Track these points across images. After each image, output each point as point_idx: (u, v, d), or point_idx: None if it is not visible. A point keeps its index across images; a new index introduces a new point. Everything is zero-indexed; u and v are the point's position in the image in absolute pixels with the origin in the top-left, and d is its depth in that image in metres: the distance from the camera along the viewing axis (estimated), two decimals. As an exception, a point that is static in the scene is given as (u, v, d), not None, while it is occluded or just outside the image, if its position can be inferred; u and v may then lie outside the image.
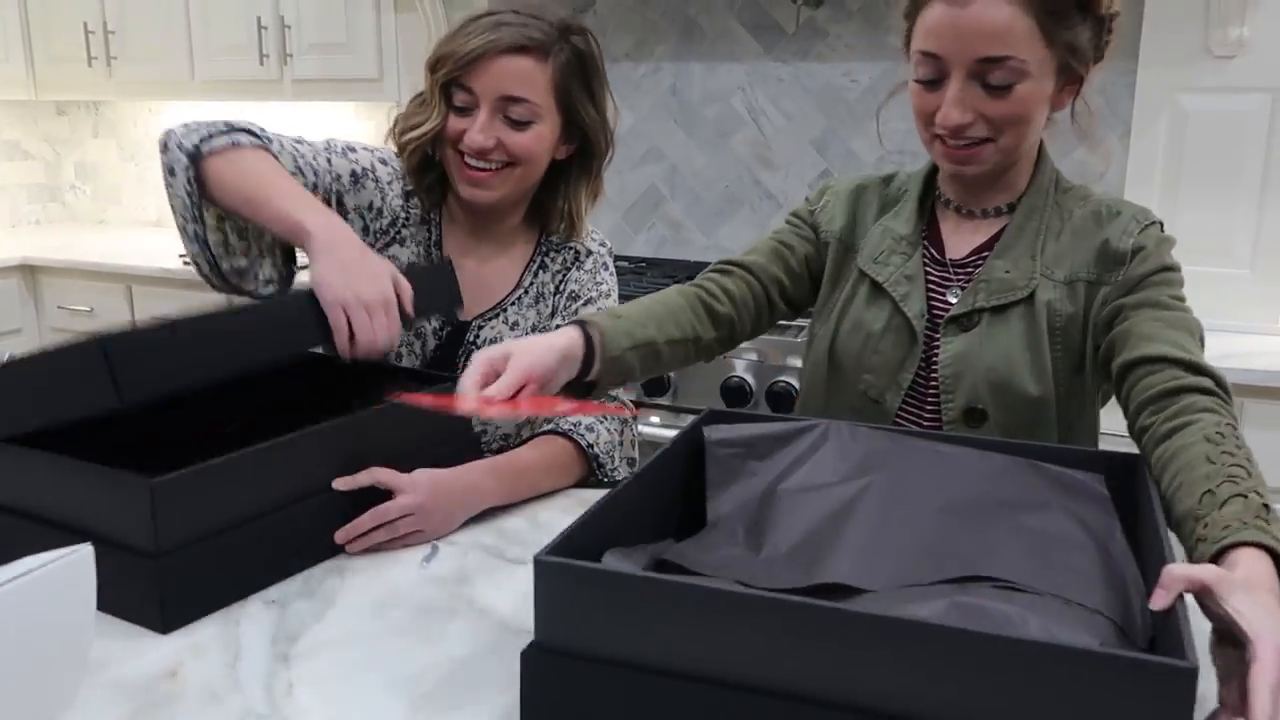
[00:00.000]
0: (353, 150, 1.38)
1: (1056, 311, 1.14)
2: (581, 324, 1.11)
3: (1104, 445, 1.26)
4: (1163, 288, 1.10)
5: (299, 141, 1.34)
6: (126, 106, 3.78)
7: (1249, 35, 2.06)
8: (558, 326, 1.39)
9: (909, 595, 0.78)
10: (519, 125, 1.31)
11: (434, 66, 1.33)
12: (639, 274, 2.73)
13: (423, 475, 1.14)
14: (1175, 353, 1.02)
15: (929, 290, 1.21)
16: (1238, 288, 2.15)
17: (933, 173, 1.26)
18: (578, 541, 0.79)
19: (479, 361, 1.01)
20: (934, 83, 1.11)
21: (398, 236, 1.41)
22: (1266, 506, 0.82)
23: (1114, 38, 1.14)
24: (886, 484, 0.94)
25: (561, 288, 1.44)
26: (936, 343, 1.19)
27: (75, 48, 3.34)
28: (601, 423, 1.34)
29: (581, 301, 1.43)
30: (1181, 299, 1.11)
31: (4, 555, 1.02)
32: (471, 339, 1.41)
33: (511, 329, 1.42)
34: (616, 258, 2.90)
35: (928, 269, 1.22)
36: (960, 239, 1.22)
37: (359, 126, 3.32)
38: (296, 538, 1.06)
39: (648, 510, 0.94)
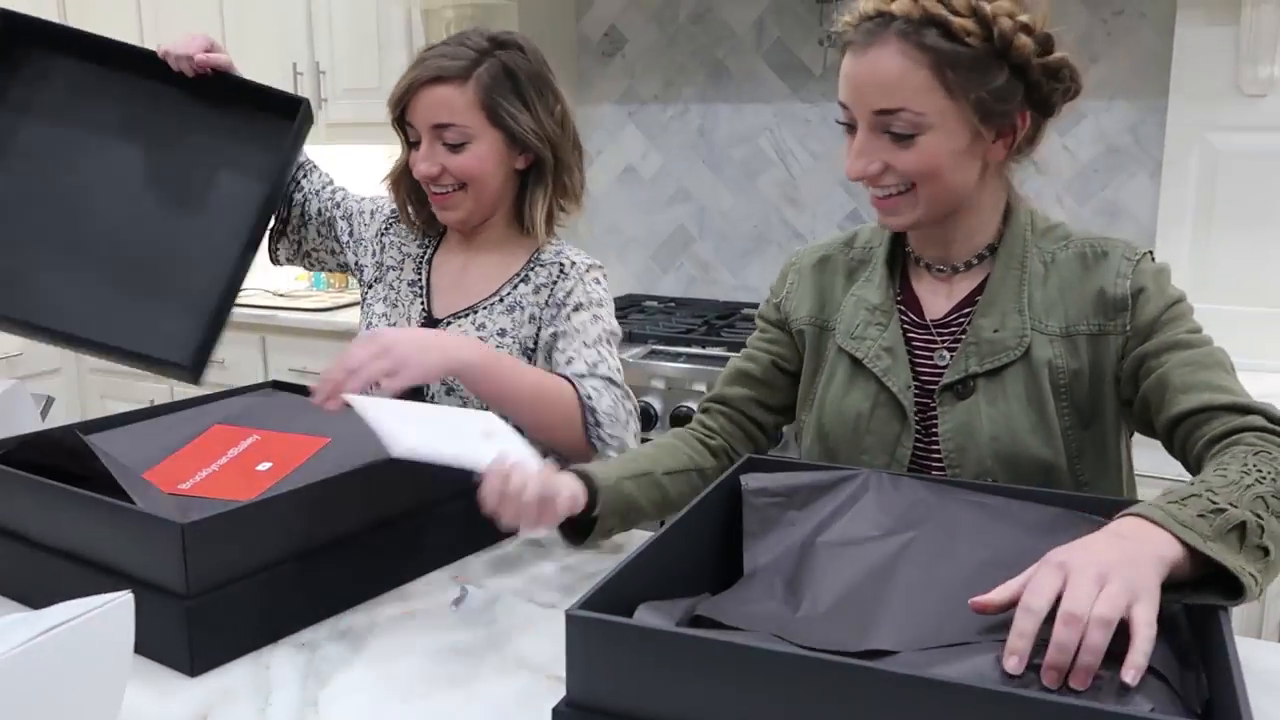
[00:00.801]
0: (361, 199, 1.63)
1: (1059, 369, 1.09)
2: (574, 471, 1.09)
3: (1143, 489, 1.24)
4: (1178, 324, 1.07)
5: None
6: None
7: (1279, 74, 2.05)
8: (553, 334, 1.42)
9: (951, 653, 0.76)
10: (456, 148, 1.39)
11: (389, 108, 1.44)
12: (668, 314, 2.74)
13: (379, 329, 1.21)
14: (1218, 398, 0.99)
15: (914, 355, 1.16)
16: (1272, 327, 2.12)
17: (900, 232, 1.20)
18: (611, 593, 0.78)
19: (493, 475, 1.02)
20: (851, 129, 1.09)
21: (377, 242, 1.58)
22: (1198, 497, 0.83)
23: (1071, 87, 1.08)
24: (929, 539, 0.92)
25: (550, 299, 1.44)
26: (931, 411, 1.14)
27: (116, 94, 3.41)
28: (607, 391, 1.33)
29: (571, 306, 1.42)
30: (1199, 330, 1.08)
31: (38, 593, 1.04)
32: None
33: (478, 330, 1.44)
34: (646, 297, 2.93)
35: (909, 333, 1.17)
36: (937, 298, 1.17)
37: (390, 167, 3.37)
38: (327, 581, 1.07)
39: (684, 560, 0.93)
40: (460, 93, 1.37)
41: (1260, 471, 0.87)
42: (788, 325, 1.26)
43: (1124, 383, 1.09)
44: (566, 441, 1.31)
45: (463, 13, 2.77)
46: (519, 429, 1.34)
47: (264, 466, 1.18)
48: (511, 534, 1.19)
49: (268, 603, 1.01)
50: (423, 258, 1.53)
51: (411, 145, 1.44)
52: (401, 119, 1.43)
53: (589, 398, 1.30)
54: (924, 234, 1.16)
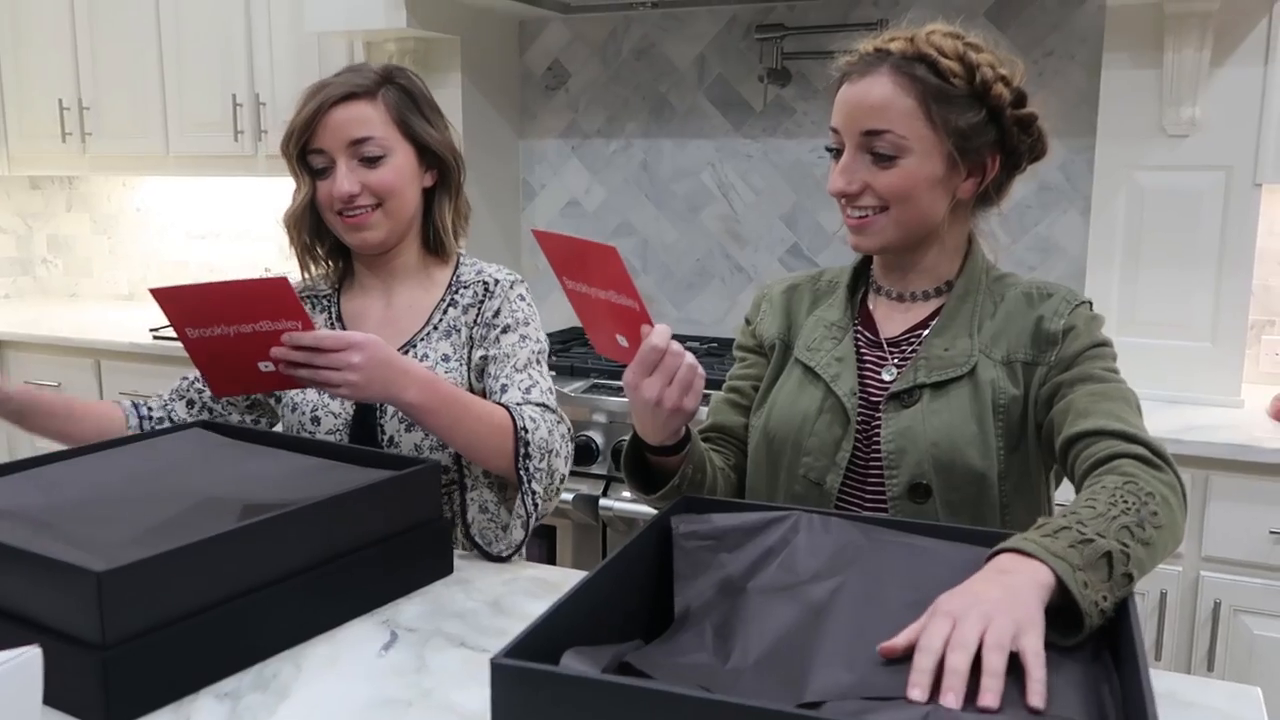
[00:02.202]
0: None
1: (1001, 389, 1.17)
2: None
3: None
4: (1096, 362, 1.15)
5: None
6: (100, 180, 3.79)
7: (1201, 115, 2.12)
8: (481, 356, 1.44)
9: (876, 706, 0.76)
10: (374, 162, 1.42)
11: (285, 145, 1.44)
12: (610, 347, 2.74)
13: (373, 342, 1.21)
14: (1112, 424, 1.06)
15: (864, 369, 1.24)
16: (1199, 360, 2.18)
17: (863, 263, 1.31)
18: (540, 639, 0.77)
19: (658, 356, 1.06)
20: (837, 153, 1.19)
21: None
22: (1069, 529, 0.88)
23: (1038, 144, 1.20)
24: (859, 583, 0.92)
25: (479, 319, 1.47)
26: (876, 421, 1.20)
27: (50, 124, 3.36)
28: (544, 419, 1.34)
29: (499, 329, 1.45)
30: (1115, 371, 1.16)
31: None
32: None
33: (421, 360, 1.44)
34: (588, 330, 2.93)
35: (861, 350, 1.25)
36: (893, 320, 1.25)
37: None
38: (250, 628, 1.04)
39: (617, 603, 0.92)
40: (373, 107, 1.42)
41: (1126, 502, 0.94)
42: (763, 347, 1.34)
43: (1039, 407, 1.17)
44: (498, 468, 1.33)
45: (404, 45, 2.76)
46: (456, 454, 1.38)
47: (265, 367, 1.20)
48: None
49: (188, 651, 0.98)
50: (331, 317, 1.51)
51: (316, 175, 1.44)
52: (303, 154, 1.43)
53: (524, 429, 1.31)
54: (888, 263, 1.25)
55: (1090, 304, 1.21)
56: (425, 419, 1.27)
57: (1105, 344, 1.17)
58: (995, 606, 0.79)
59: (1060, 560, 0.84)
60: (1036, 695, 0.74)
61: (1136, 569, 0.89)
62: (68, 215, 3.89)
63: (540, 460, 1.32)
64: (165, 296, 1.20)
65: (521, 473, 1.31)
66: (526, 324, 1.46)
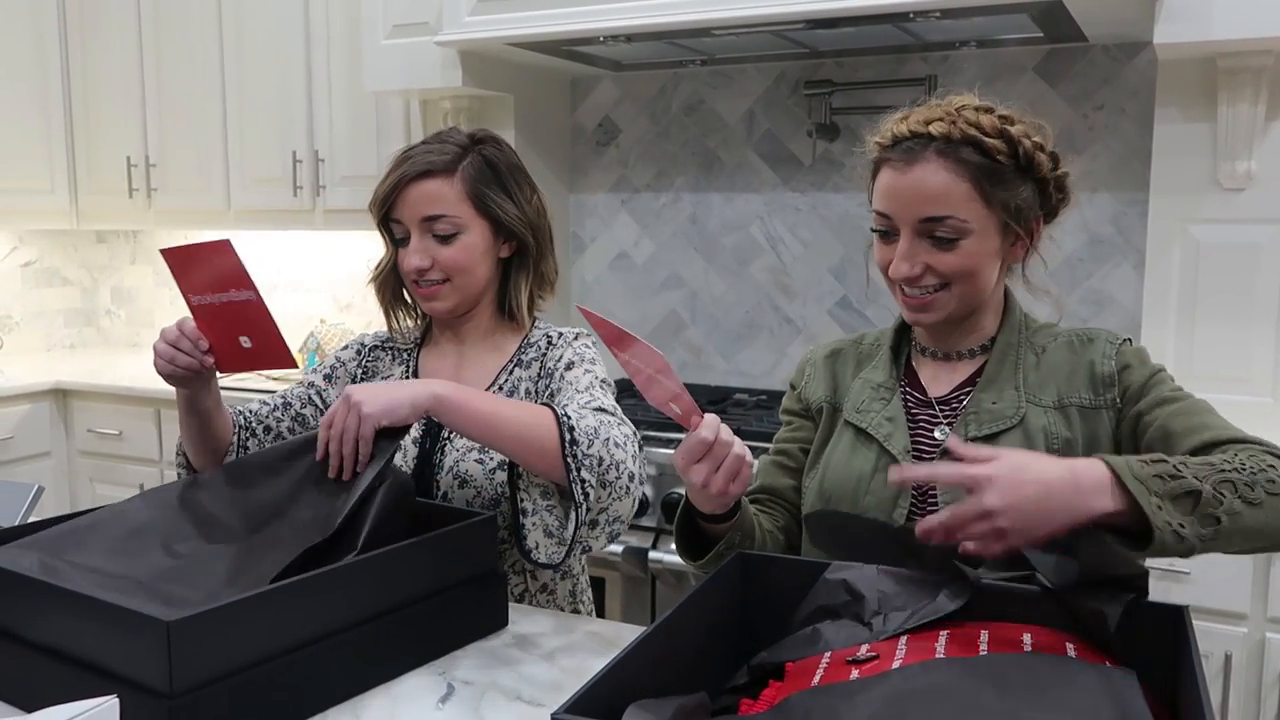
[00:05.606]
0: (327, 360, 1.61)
1: (1053, 435, 1.18)
2: None
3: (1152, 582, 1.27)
4: (1162, 386, 1.18)
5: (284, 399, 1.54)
6: (164, 234, 3.90)
7: (1256, 169, 2.10)
8: (549, 394, 1.44)
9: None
10: (446, 239, 1.43)
11: (371, 209, 1.47)
12: (659, 399, 2.75)
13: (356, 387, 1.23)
14: (1223, 434, 1.09)
15: (915, 428, 1.25)
16: (1260, 416, 2.13)
17: (904, 324, 1.32)
18: (601, 694, 0.78)
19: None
20: (888, 235, 1.21)
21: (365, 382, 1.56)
22: (1165, 463, 0.93)
23: (1068, 197, 1.24)
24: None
25: (542, 371, 1.47)
26: None
27: (117, 180, 3.48)
28: (594, 415, 1.29)
29: (564, 366, 1.44)
30: (1180, 389, 1.19)
31: (22, 691, 1.03)
32: (447, 435, 1.46)
33: None
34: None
35: (911, 410, 1.27)
36: (939, 379, 1.28)
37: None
38: (310, 678, 1.05)
39: (677, 658, 0.92)
40: (449, 184, 1.43)
41: (1239, 462, 0.97)
42: (810, 411, 1.36)
43: (1124, 442, 1.18)
44: (550, 466, 1.25)
45: (459, 104, 2.83)
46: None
47: (245, 341, 1.24)
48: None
49: (251, 701, 1.00)
50: (408, 371, 1.55)
51: (397, 243, 1.47)
52: (385, 219, 1.46)
53: (567, 416, 1.25)
54: (935, 326, 1.26)
55: (1130, 340, 1.24)
56: (459, 415, 1.22)
57: (1161, 369, 1.21)
58: (1021, 526, 0.89)
59: (1138, 483, 0.88)
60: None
61: (1228, 517, 0.91)
62: (131, 267, 4.01)
63: (589, 447, 1.23)
64: (171, 256, 1.25)
65: (569, 460, 1.22)
66: (592, 362, 1.45)
